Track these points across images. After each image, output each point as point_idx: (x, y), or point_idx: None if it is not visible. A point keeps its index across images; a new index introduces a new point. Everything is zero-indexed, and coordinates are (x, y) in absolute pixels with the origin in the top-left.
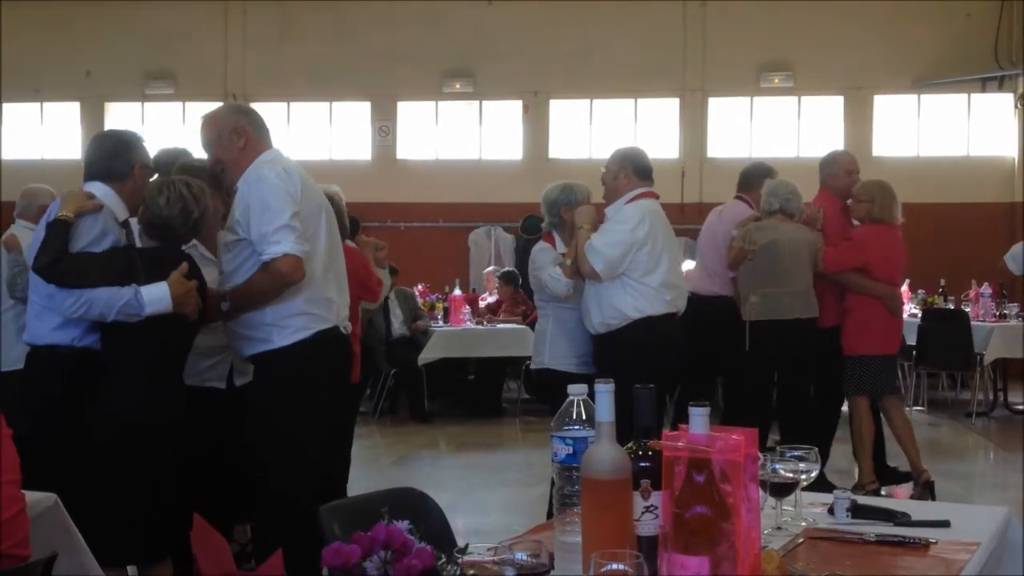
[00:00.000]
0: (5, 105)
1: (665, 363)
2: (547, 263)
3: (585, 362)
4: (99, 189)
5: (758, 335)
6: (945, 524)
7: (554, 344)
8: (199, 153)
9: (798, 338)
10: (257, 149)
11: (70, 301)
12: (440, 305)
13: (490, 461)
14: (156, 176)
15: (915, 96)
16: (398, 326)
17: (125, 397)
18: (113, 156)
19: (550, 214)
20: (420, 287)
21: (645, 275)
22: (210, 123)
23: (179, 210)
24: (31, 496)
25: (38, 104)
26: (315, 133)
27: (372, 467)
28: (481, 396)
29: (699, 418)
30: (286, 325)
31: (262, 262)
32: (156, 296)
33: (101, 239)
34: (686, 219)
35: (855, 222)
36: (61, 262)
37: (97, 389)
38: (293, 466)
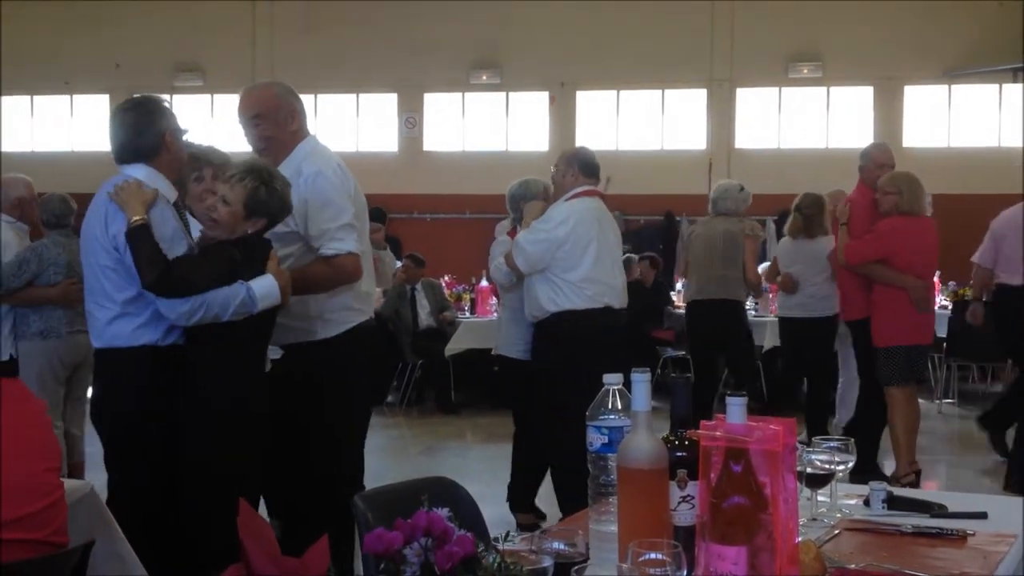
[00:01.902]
0: (36, 98)
1: (586, 354)
2: (497, 253)
3: (530, 350)
4: (141, 172)
5: (688, 315)
6: (982, 516)
7: (505, 332)
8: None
9: (716, 316)
10: (301, 135)
11: (185, 308)
12: (467, 296)
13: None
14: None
15: (946, 86)
16: (425, 317)
17: (223, 391)
18: (140, 132)
19: (512, 209)
20: (447, 278)
21: (566, 271)
22: (267, 98)
23: (278, 199)
24: (67, 484)
25: (68, 96)
26: (342, 125)
27: (399, 457)
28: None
29: (736, 408)
30: (333, 319)
31: (322, 256)
32: (267, 290)
33: (178, 229)
34: None
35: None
36: (169, 271)
37: (187, 385)
38: (338, 452)
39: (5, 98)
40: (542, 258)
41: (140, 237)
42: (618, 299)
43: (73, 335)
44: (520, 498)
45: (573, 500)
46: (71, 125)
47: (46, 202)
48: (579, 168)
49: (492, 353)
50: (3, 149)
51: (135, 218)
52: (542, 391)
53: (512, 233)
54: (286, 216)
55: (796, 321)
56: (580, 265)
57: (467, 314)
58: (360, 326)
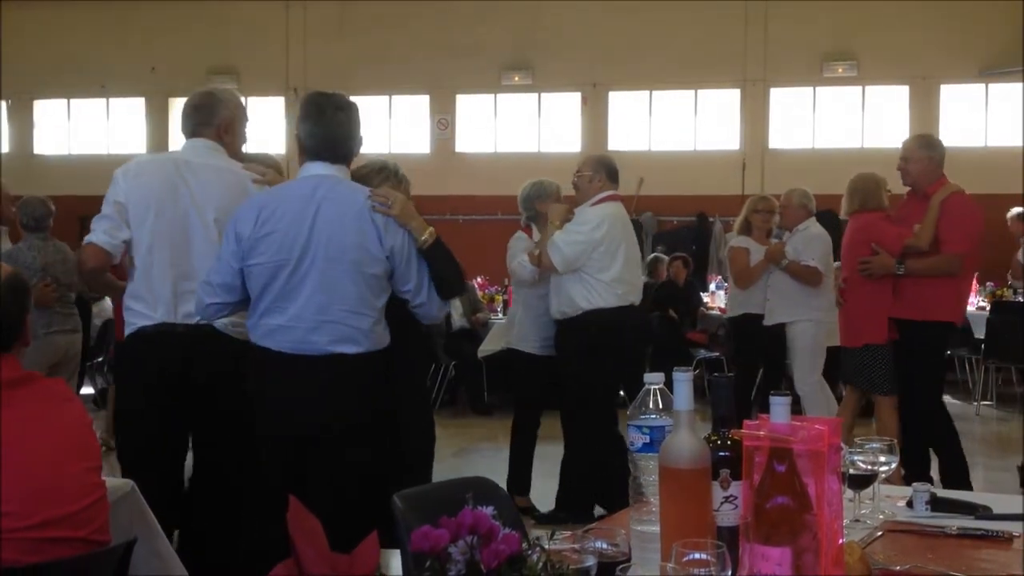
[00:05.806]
0: (72, 101)
1: (614, 350)
2: (518, 251)
3: (547, 345)
4: (343, 173)
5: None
6: None
7: (520, 327)
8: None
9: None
10: None
11: (446, 306)
12: (499, 297)
13: (549, 453)
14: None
15: (982, 85)
16: (457, 318)
17: (418, 388)
18: (354, 133)
19: (526, 208)
20: (479, 280)
21: (599, 272)
22: None
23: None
24: (109, 483)
25: (104, 100)
26: (374, 126)
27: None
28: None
29: (780, 407)
30: (125, 320)
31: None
32: None
33: None
34: None
35: None
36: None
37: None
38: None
39: (42, 102)
40: (578, 258)
41: (443, 251)
42: (639, 298)
43: (50, 336)
44: (518, 481)
45: (600, 487)
46: (107, 128)
47: (26, 204)
48: (606, 174)
49: (503, 346)
50: (41, 152)
51: (428, 232)
52: (568, 385)
53: (527, 230)
54: None
55: None
56: (612, 266)
57: (500, 315)
58: (139, 330)
